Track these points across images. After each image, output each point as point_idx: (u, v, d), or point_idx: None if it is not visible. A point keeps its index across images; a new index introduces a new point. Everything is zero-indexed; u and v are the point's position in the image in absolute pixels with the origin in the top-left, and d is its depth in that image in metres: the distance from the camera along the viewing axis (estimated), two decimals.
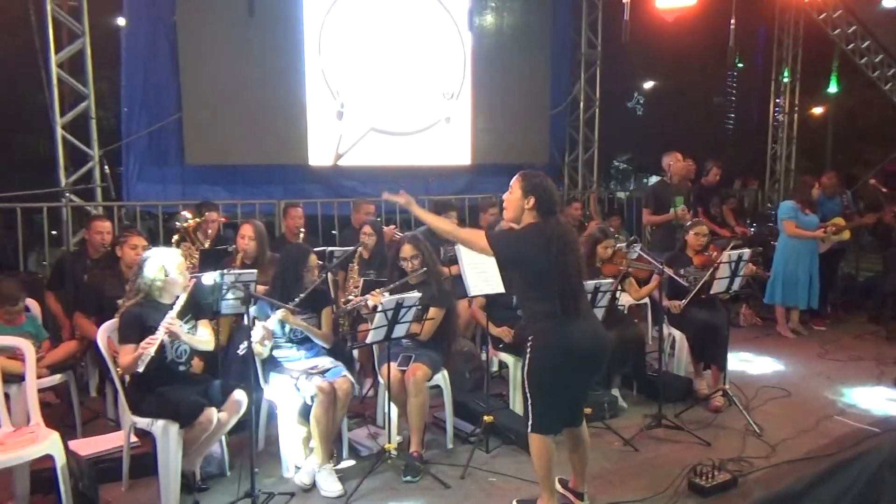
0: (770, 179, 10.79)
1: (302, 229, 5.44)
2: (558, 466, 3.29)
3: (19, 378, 3.57)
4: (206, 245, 5.06)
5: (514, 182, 3.10)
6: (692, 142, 10.65)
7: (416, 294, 3.60)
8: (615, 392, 4.74)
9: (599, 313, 4.12)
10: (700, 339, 4.84)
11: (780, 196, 10.21)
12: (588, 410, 3.75)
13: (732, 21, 7.04)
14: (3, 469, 3.03)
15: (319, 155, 7.06)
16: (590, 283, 4.00)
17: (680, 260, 5.05)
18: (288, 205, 5.86)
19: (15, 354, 3.62)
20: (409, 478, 3.64)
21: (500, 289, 3.98)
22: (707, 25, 8.45)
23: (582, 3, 8.69)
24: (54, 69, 5.57)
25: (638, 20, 7.46)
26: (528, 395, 3.13)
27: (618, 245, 5.01)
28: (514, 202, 3.09)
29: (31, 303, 4.35)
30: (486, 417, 3.99)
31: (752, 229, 7.91)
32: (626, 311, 5.24)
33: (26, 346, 3.40)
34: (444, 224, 3.33)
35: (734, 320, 6.65)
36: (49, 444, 3.11)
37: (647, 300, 5.72)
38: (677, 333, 5.02)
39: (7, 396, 3.46)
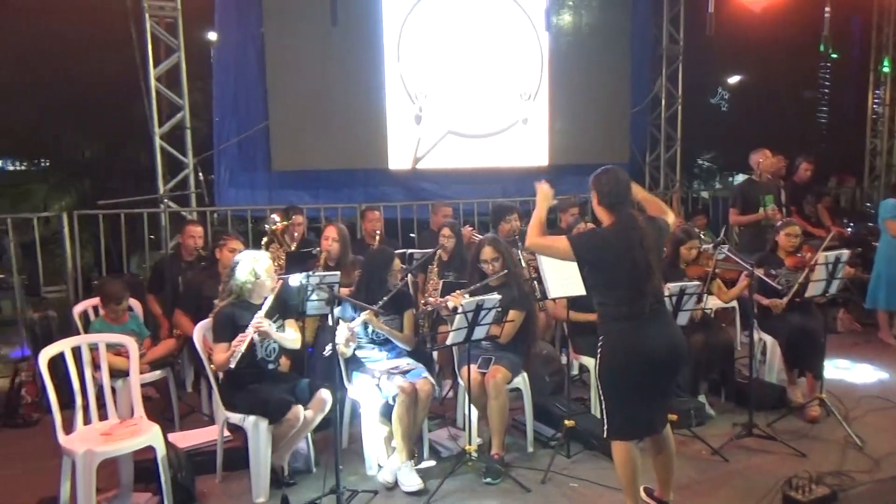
0: (869, 176, 10.13)
1: (378, 232, 5.54)
2: (643, 474, 3.21)
3: (124, 373, 3.80)
4: (293, 247, 5.23)
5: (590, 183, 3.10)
6: (782, 138, 10.12)
7: (496, 296, 3.60)
8: (702, 399, 4.57)
9: (685, 317, 4.02)
10: (794, 345, 4.61)
11: (880, 194, 9.56)
12: (673, 417, 3.64)
13: (827, 9, 6.67)
14: (110, 458, 3.23)
15: (399, 158, 7.20)
16: (675, 286, 3.89)
17: (770, 261, 4.82)
18: (366, 208, 5.97)
19: (120, 351, 3.87)
20: (489, 479, 3.64)
21: (581, 291, 3.91)
22: (797, 14, 8.05)
23: None
24: (153, 83, 5.93)
25: (723, 12, 7.21)
26: (602, 397, 3.08)
27: (703, 246, 4.84)
28: (592, 201, 3.09)
29: (134, 303, 4.62)
30: (566, 422, 3.94)
31: (850, 229, 7.46)
32: (712, 315, 5.05)
33: (131, 344, 3.61)
34: (531, 234, 3.18)
35: (831, 325, 6.28)
36: (151, 436, 3.31)
37: (734, 303, 5.49)
38: (769, 338, 4.80)
39: (113, 390, 3.69)
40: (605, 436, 3.10)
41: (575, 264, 3.85)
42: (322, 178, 7.06)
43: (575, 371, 4.88)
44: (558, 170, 8.05)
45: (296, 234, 5.35)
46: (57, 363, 3.33)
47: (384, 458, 3.80)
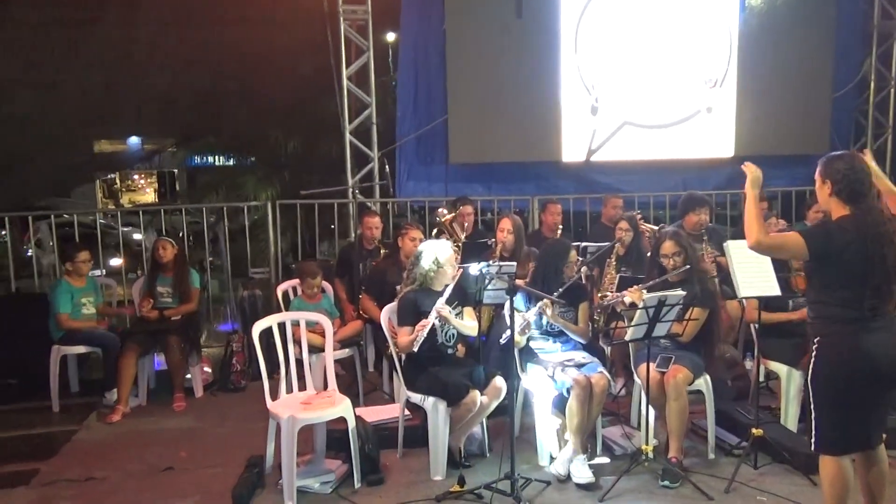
0: None
1: (560, 225, 5.50)
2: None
3: (318, 349, 4.17)
4: (463, 237, 5.35)
5: (817, 171, 2.82)
6: None
7: (680, 292, 3.46)
8: None
9: None
10: None
11: None
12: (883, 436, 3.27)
13: None
14: (308, 425, 3.55)
15: (572, 151, 7.11)
16: None
17: None
18: (547, 201, 5.93)
19: (315, 329, 4.23)
20: (667, 483, 3.51)
21: (776, 290, 3.65)
22: None
23: None
24: (345, 82, 6.40)
25: None
26: (812, 406, 2.81)
27: None
28: (818, 192, 2.81)
29: (325, 285, 5.03)
30: (754, 430, 3.68)
31: None
32: None
33: (326, 322, 3.95)
34: (755, 231, 2.79)
35: None
36: (343, 408, 3.59)
37: None
38: None
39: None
40: (811, 449, 2.84)
41: (768, 260, 3.62)
42: (495, 170, 7.17)
43: (761, 377, 4.54)
44: (745, 161, 7.50)
45: (466, 224, 5.47)
46: (261, 336, 3.69)
47: (556, 449, 3.81)
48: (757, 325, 4.01)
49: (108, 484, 3.72)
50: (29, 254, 9.02)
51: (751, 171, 3.00)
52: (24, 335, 5.13)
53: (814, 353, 2.78)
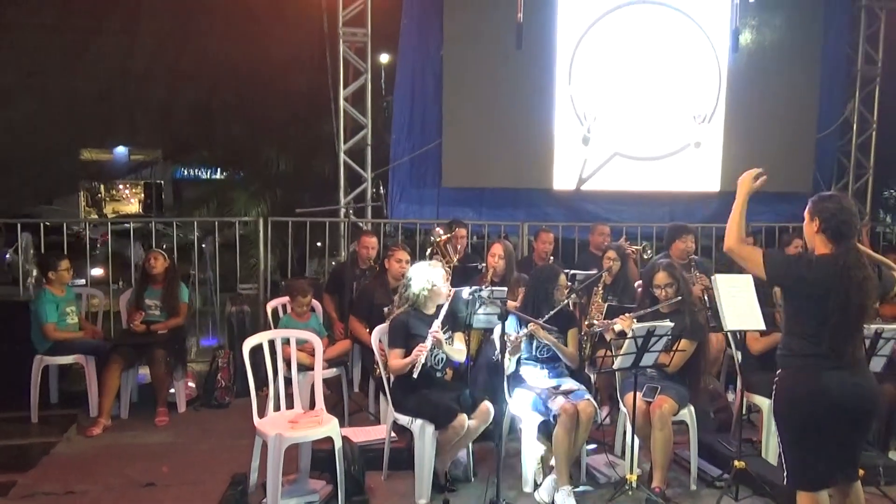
0: None
1: (551, 256, 5.55)
2: None
3: (306, 367, 4.15)
4: (455, 259, 5.39)
5: (807, 208, 2.89)
6: None
7: (668, 323, 3.51)
8: (893, 456, 4.13)
9: (880, 363, 3.66)
10: None
11: None
12: (860, 472, 3.32)
13: None
14: (293, 444, 3.53)
15: (563, 179, 7.21)
16: (870, 328, 3.56)
17: None
18: (540, 229, 5.97)
19: (303, 347, 4.23)
20: None
21: (761, 325, 3.72)
22: None
23: (861, 15, 7.81)
24: (342, 102, 6.46)
25: None
26: (780, 440, 2.85)
27: None
28: (805, 228, 2.88)
29: (315, 304, 5.03)
30: (737, 463, 3.72)
31: None
32: None
33: (316, 341, 3.94)
34: (733, 234, 3.01)
35: None
36: (330, 427, 3.58)
37: None
38: None
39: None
40: (784, 484, 2.89)
41: (754, 294, 3.69)
42: (486, 196, 7.25)
43: (743, 410, 4.59)
44: (730, 196, 7.61)
45: (458, 247, 5.52)
46: (249, 353, 3.67)
47: (541, 476, 3.82)
48: (740, 359, 4.08)
49: (88, 498, 3.66)
50: (6, 258, 8.94)
51: (745, 178, 3.16)
52: (2, 343, 5.04)
53: (774, 387, 2.83)
